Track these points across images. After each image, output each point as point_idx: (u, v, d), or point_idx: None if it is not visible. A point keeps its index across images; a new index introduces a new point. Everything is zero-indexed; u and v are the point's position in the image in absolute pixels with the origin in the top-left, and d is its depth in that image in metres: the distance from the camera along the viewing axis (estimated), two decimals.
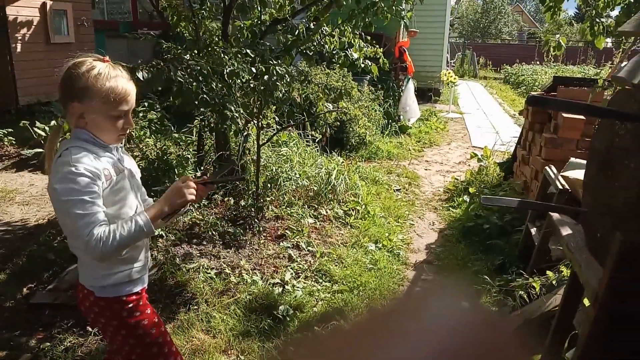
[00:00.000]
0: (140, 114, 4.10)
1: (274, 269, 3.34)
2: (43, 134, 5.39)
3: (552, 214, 2.26)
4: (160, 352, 1.65)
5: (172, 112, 3.66)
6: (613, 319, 1.49)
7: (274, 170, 4.38)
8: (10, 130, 5.86)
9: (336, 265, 3.48)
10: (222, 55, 3.19)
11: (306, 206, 4.22)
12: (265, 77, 3.27)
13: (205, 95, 3.04)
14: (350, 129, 6.50)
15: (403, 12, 4.17)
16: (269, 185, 4.21)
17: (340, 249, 3.72)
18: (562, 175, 3.13)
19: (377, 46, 4.29)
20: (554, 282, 2.60)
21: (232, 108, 3.16)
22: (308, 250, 3.63)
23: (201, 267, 3.19)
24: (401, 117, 8.42)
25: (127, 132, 1.57)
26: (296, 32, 3.73)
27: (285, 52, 3.80)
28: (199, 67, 3.07)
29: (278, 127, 4.46)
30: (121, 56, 4.96)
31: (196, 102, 3.04)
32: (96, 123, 1.48)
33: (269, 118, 4.17)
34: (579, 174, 2.72)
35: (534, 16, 48.50)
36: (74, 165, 1.39)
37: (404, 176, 5.93)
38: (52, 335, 2.61)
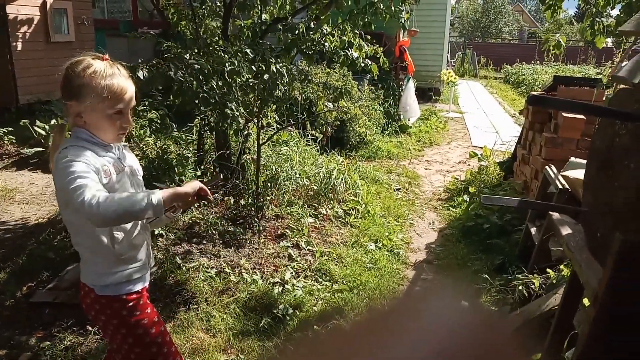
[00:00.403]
0: (140, 113, 4.10)
1: (273, 268, 3.34)
2: (43, 132, 5.39)
3: (552, 213, 2.26)
4: (159, 351, 1.65)
5: (173, 111, 3.66)
6: (613, 319, 1.49)
7: (274, 170, 4.38)
8: (10, 129, 5.86)
9: (336, 265, 3.48)
10: (222, 54, 3.19)
11: (306, 205, 4.22)
12: (266, 76, 3.26)
13: (205, 94, 3.04)
14: (351, 128, 6.50)
15: (401, 14, 4.17)
16: (269, 184, 4.21)
17: (340, 249, 3.72)
18: (562, 175, 3.13)
19: (377, 45, 4.28)
20: (554, 281, 2.60)
21: (233, 107, 3.16)
22: (308, 249, 3.63)
23: (201, 266, 3.19)
24: (401, 116, 8.42)
25: (127, 131, 1.56)
26: (296, 31, 3.72)
27: (285, 51, 3.80)
28: (199, 66, 3.07)
29: (278, 126, 4.46)
30: (121, 55, 4.96)
31: (196, 101, 3.04)
32: (94, 122, 1.47)
33: (269, 117, 4.16)
34: (579, 174, 2.72)
35: (534, 16, 48.48)
36: (70, 156, 1.39)
37: (404, 175, 5.92)
38: (52, 334, 2.61)
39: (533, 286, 2.71)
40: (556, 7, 3.79)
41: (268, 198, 4.07)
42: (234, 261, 3.33)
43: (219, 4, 3.90)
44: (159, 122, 3.73)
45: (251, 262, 3.36)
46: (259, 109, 3.70)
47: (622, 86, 2.18)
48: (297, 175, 4.45)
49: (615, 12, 3.66)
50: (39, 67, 7.23)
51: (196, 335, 2.62)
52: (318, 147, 5.50)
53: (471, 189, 5.00)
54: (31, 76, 7.06)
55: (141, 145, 4.12)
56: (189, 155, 3.94)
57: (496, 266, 3.51)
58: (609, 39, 3.99)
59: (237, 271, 3.22)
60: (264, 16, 3.93)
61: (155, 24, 9.10)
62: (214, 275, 3.14)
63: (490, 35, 34.93)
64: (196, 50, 3.37)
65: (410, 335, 0.32)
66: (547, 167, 3.45)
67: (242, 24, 3.99)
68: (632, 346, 1.47)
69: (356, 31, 4.07)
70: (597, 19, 3.54)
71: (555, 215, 2.20)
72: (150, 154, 3.95)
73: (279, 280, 3.18)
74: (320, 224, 4.05)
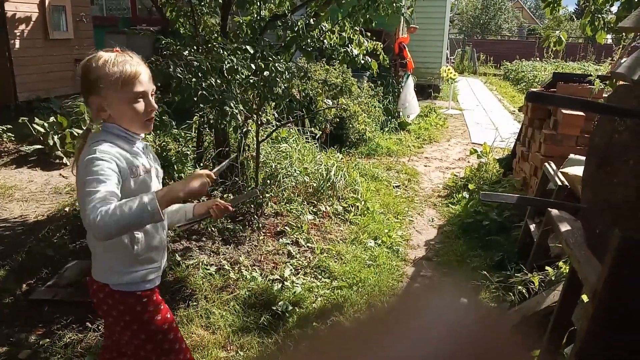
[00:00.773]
0: None
1: (273, 265, 3.34)
2: (42, 130, 5.38)
3: (551, 210, 2.26)
4: (171, 348, 1.64)
5: (172, 108, 3.65)
6: (611, 316, 1.49)
7: (274, 167, 4.37)
8: (9, 126, 5.84)
9: (335, 262, 3.49)
10: (221, 51, 3.18)
11: (305, 202, 4.22)
12: (265, 73, 3.26)
13: (204, 91, 3.03)
14: (350, 125, 6.49)
15: (403, 9, 4.16)
16: (268, 181, 4.21)
17: (340, 245, 3.72)
18: (561, 172, 3.13)
19: (377, 42, 4.28)
20: (553, 278, 2.60)
21: (232, 104, 3.16)
22: (307, 246, 3.63)
23: (200, 264, 3.19)
24: (401, 113, 8.42)
25: (153, 116, 1.56)
26: (296, 28, 3.72)
27: (284, 48, 3.79)
28: (198, 63, 3.06)
29: (277, 123, 4.45)
30: None
31: (195, 98, 3.03)
32: (118, 112, 1.48)
33: (268, 114, 4.16)
34: (578, 171, 2.72)
35: (534, 12, 48.40)
36: (98, 153, 1.39)
37: (403, 172, 5.92)
38: (52, 331, 2.61)
39: (532, 284, 2.72)
40: (555, 5, 3.78)
41: (267, 195, 4.07)
42: (233, 258, 3.33)
43: (219, 0, 3.89)
44: (158, 119, 3.72)
45: (250, 259, 3.37)
46: (258, 106, 3.69)
47: (621, 83, 2.18)
48: (297, 173, 4.45)
49: (614, 8, 3.64)
50: (38, 65, 7.22)
51: (196, 332, 2.63)
52: (317, 144, 5.49)
53: (470, 186, 5.00)
54: (30, 73, 7.04)
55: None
56: (188, 152, 3.93)
57: (495, 263, 3.51)
58: (609, 36, 3.98)
59: (236, 268, 3.22)
60: (262, 13, 3.92)
61: (154, 21, 9.09)
62: (214, 272, 3.14)
63: (489, 31, 34.87)
64: (195, 47, 3.36)
65: (410, 333, 0.32)
66: (546, 163, 3.45)
67: (241, 21, 3.98)
68: (632, 345, 1.47)
69: (356, 28, 4.06)
70: (597, 15, 3.53)
71: (554, 211, 2.21)
72: None
73: (279, 277, 3.18)
74: (319, 221, 4.06)
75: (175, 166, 3.68)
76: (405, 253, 3.83)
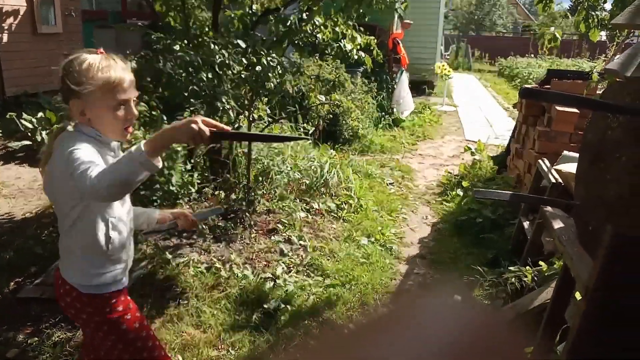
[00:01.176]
0: None
1: (265, 263, 3.31)
2: (30, 126, 5.31)
3: (544, 207, 2.25)
4: (144, 346, 1.64)
5: (162, 104, 3.61)
6: (604, 313, 1.48)
7: (266, 164, 4.34)
8: None
9: (328, 260, 3.46)
10: (212, 45, 3.14)
11: (298, 200, 4.20)
12: (257, 68, 3.22)
13: (195, 87, 2.99)
14: (343, 121, 6.47)
15: (397, 4, 4.12)
16: (260, 178, 4.17)
17: (333, 243, 3.70)
18: (555, 169, 3.12)
19: (371, 37, 4.24)
20: (546, 274, 2.59)
21: (223, 99, 3.12)
22: (300, 244, 3.60)
23: (191, 262, 3.16)
24: (395, 110, 8.40)
25: (132, 124, 1.54)
26: (288, 23, 3.67)
27: (277, 43, 3.75)
28: (188, 58, 3.02)
29: (270, 119, 4.41)
30: (110, 47, 4.86)
31: (186, 94, 3.00)
32: (98, 117, 1.45)
33: (260, 110, 4.12)
34: (571, 167, 2.71)
35: (528, 9, 48.49)
36: (75, 146, 1.36)
37: (397, 170, 5.91)
38: (40, 330, 2.57)
39: (525, 280, 2.71)
40: (548, 1, 3.76)
41: (259, 192, 4.03)
42: (224, 256, 3.30)
43: None
44: (148, 114, 3.68)
45: (242, 257, 3.33)
46: (250, 102, 3.65)
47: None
48: (289, 169, 4.41)
49: (608, 5, 3.63)
50: (26, 59, 7.13)
51: (186, 330, 2.59)
52: (310, 141, 5.46)
53: (465, 183, 5.00)
54: (18, 68, 6.95)
55: (130, 139, 4.06)
56: (179, 148, 3.88)
57: (489, 260, 3.50)
58: (603, 33, 3.97)
59: (227, 266, 3.19)
60: (254, 7, 3.87)
61: (144, 15, 9.00)
62: (204, 271, 3.11)
63: (484, 28, 34.92)
64: (186, 42, 3.32)
65: (403, 331, 0.32)
66: (540, 160, 3.44)
67: (233, 15, 3.93)
68: (625, 342, 1.46)
69: (349, 22, 4.03)
70: (591, 12, 3.52)
71: (548, 208, 2.19)
72: None
73: (271, 275, 3.15)
74: (312, 218, 4.03)
75: (165, 162, 3.64)
76: (398, 251, 3.81)
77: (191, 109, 3.38)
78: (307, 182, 4.40)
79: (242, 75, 3.26)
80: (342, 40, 3.96)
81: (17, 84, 6.94)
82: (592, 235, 1.75)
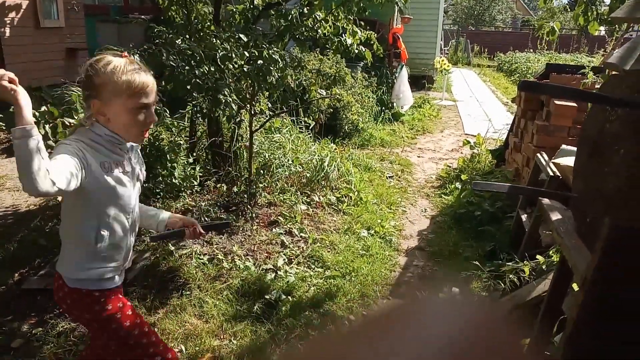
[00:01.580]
0: None
1: (266, 254, 3.35)
2: (33, 119, 5.32)
3: (542, 199, 2.27)
4: (137, 343, 1.64)
5: (165, 97, 3.63)
6: (602, 305, 1.50)
7: (267, 157, 4.37)
8: (0, 115, 5.77)
9: (329, 251, 3.50)
10: (214, 39, 3.16)
11: (299, 193, 4.22)
12: (259, 62, 3.24)
13: (197, 80, 3.01)
14: (344, 115, 6.48)
15: None
16: (261, 171, 4.20)
17: (333, 235, 3.73)
18: (553, 162, 3.15)
19: (371, 32, 4.26)
20: (544, 266, 2.63)
21: (226, 92, 3.14)
22: (301, 236, 3.63)
23: (194, 253, 3.19)
24: (394, 104, 8.41)
25: (150, 127, 1.57)
26: (289, 17, 3.69)
27: (278, 37, 3.77)
28: (190, 51, 3.03)
29: (271, 113, 4.44)
30: (112, 41, 4.89)
31: (188, 87, 3.01)
32: (118, 119, 1.48)
33: (261, 104, 4.14)
34: (570, 161, 2.74)
35: (527, 4, 48.34)
36: (66, 141, 1.43)
37: (396, 163, 5.93)
38: (45, 321, 2.61)
39: (523, 273, 2.74)
40: None
41: (261, 185, 4.06)
42: (226, 248, 3.33)
43: None
44: None
45: (244, 248, 3.37)
46: (252, 96, 3.67)
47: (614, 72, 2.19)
48: (290, 163, 4.44)
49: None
50: (29, 53, 7.12)
51: (189, 320, 2.63)
52: (311, 135, 5.48)
53: (463, 177, 5.03)
54: (20, 62, 6.94)
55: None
56: (181, 142, 3.91)
57: (487, 253, 3.54)
58: (602, 28, 3.99)
59: (229, 258, 3.22)
60: (255, 1, 3.88)
61: (146, 10, 8.99)
62: (207, 262, 3.14)
63: (483, 23, 34.80)
64: (187, 36, 3.33)
65: (403, 329, 0.32)
66: (538, 154, 3.47)
67: (234, 9, 3.94)
68: (624, 335, 1.47)
69: (350, 17, 4.04)
70: (591, 6, 3.53)
71: (546, 201, 2.22)
72: None
73: (272, 267, 3.19)
74: (313, 211, 4.06)
75: (167, 156, 3.66)
76: (398, 243, 3.85)
77: (193, 102, 3.40)
78: (308, 175, 4.43)
79: (245, 69, 3.28)
80: (342, 35, 3.98)
81: (20, 77, 6.90)
82: (590, 227, 1.78)
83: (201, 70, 3.04)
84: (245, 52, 3.20)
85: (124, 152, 1.56)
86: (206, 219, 3.56)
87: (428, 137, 7.67)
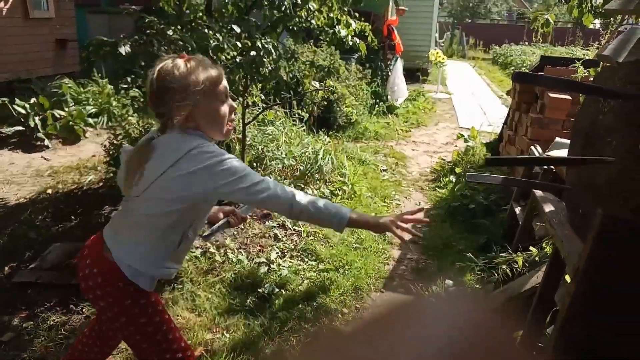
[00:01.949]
0: (122, 91, 4.01)
1: (259, 248, 3.33)
2: (23, 111, 5.26)
3: (535, 191, 2.27)
4: (163, 339, 1.58)
5: None
6: (593, 295, 1.50)
7: (260, 150, 4.34)
8: None
9: (322, 245, 3.49)
10: (206, 30, 3.12)
11: (292, 186, 4.20)
12: (252, 53, 3.20)
13: None
14: (338, 108, 6.46)
15: None
16: (255, 164, 4.18)
17: (326, 229, 3.72)
18: (547, 155, 3.14)
19: (366, 24, 4.22)
20: (536, 258, 2.63)
21: None
22: (294, 229, 3.62)
23: None
24: (389, 96, 8.39)
25: (234, 122, 1.55)
26: (283, 8, 3.65)
27: (271, 29, 3.73)
28: (182, 42, 2.99)
29: (264, 105, 4.41)
30: (102, 32, 4.82)
31: None
32: (206, 119, 1.45)
33: (255, 96, 4.11)
34: (563, 154, 2.73)
35: None
36: (217, 151, 1.41)
37: (391, 156, 5.93)
38: (35, 314, 2.59)
39: (516, 265, 2.75)
40: None
41: None
42: (219, 241, 3.31)
43: None
44: (142, 100, 3.66)
45: (236, 242, 3.35)
46: (245, 88, 3.64)
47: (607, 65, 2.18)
48: (284, 156, 4.42)
49: None
50: (18, 44, 7.03)
51: (181, 314, 2.62)
52: (304, 127, 5.46)
53: (457, 170, 5.02)
54: (9, 53, 6.86)
55: (124, 125, 4.04)
56: None
57: (481, 245, 3.54)
58: (597, 21, 3.98)
59: (222, 251, 3.20)
60: None
61: (137, 0, 8.87)
62: (199, 256, 3.12)
63: (479, 15, 34.74)
64: (179, 27, 3.29)
65: (402, 329, 0.32)
66: (532, 147, 3.47)
67: (226, 0, 3.89)
68: (617, 328, 1.47)
69: (344, 8, 4.00)
70: None
71: (539, 193, 2.22)
72: (133, 133, 3.88)
73: (265, 260, 3.18)
74: None
75: None
76: (391, 236, 3.83)
77: None
78: (302, 168, 4.41)
79: (237, 60, 3.24)
80: (336, 26, 3.94)
81: (9, 69, 6.84)
82: (583, 219, 1.78)
83: None
84: (238, 43, 3.16)
85: None
86: None
87: (422, 130, 7.66)
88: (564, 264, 1.87)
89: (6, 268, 3.00)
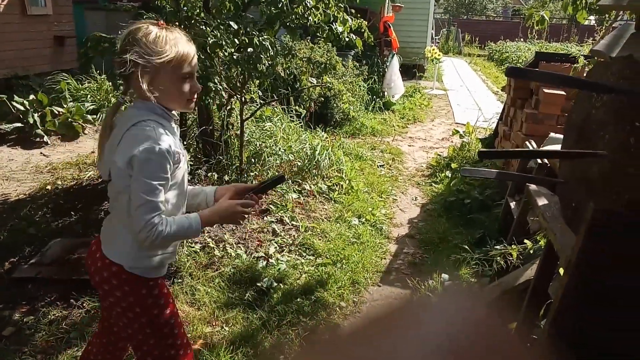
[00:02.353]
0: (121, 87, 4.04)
1: (258, 243, 3.36)
2: (22, 108, 5.26)
3: (529, 185, 2.31)
4: (170, 333, 1.58)
5: None
6: (585, 288, 1.53)
7: (258, 146, 4.37)
8: None
9: (320, 239, 3.52)
10: (204, 26, 3.13)
11: (290, 181, 4.24)
12: (249, 49, 3.22)
13: None
14: (335, 104, 6.48)
15: None
16: (252, 160, 4.20)
17: (324, 224, 3.76)
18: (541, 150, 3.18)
19: (362, 20, 4.25)
20: (531, 251, 2.67)
21: (216, 80, 3.13)
22: (292, 224, 3.65)
23: (185, 241, 3.20)
24: (385, 93, 8.41)
25: (195, 96, 1.51)
26: (280, 4, 3.67)
27: (268, 25, 3.75)
28: None
29: (262, 101, 4.43)
30: (100, 29, 4.83)
31: None
32: (165, 90, 1.41)
33: (252, 92, 4.13)
34: (557, 148, 2.77)
35: None
36: (158, 143, 1.36)
37: (387, 152, 5.96)
38: (36, 309, 2.61)
39: (511, 257, 2.79)
40: None
41: (252, 174, 4.07)
42: (218, 236, 3.34)
43: None
44: None
45: (235, 237, 3.38)
46: (242, 84, 3.66)
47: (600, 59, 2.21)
48: (281, 151, 4.44)
49: None
50: (16, 41, 7.02)
51: (181, 308, 2.64)
52: (302, 123, 5.48)
53: (453, 165, 5.06)
54: (7, 50, 6.84)
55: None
56: None
57: (476, 240, 3.58)
58: (592, 17, 4.01)
59: (221, 246, 3.23)
60: None
61: None
62: (198, 250, 3.15)
63: (474, 12, 34.76)
64: (177, 23, 3.30)
65: (401, 328, 0.32)
66: (527, 142, 3.50)
67: None
68: (610, 323, 1.49)
69: (341, 5, 4.03)
70: None
71: (533, 187, 2.25)
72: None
73: (263, 255, 3.21)
74: (304, 199, 4.08)
75: None
76: (388, 231, 3.88)
77: None
78: (299, 164, 4.44)
79: (234, 56, 3.26)
80: (333, 23, 3.96)
81: (7, 66, 6.83)
82: (575, 212, 1.81)
83: None
84: (236, 40, 3.18)
85: (175, 130, 1.51)
86: None
87: (419, 126, 7.69)
88: (557, 257, 1.90)
89: (6, 263, 3.01)
